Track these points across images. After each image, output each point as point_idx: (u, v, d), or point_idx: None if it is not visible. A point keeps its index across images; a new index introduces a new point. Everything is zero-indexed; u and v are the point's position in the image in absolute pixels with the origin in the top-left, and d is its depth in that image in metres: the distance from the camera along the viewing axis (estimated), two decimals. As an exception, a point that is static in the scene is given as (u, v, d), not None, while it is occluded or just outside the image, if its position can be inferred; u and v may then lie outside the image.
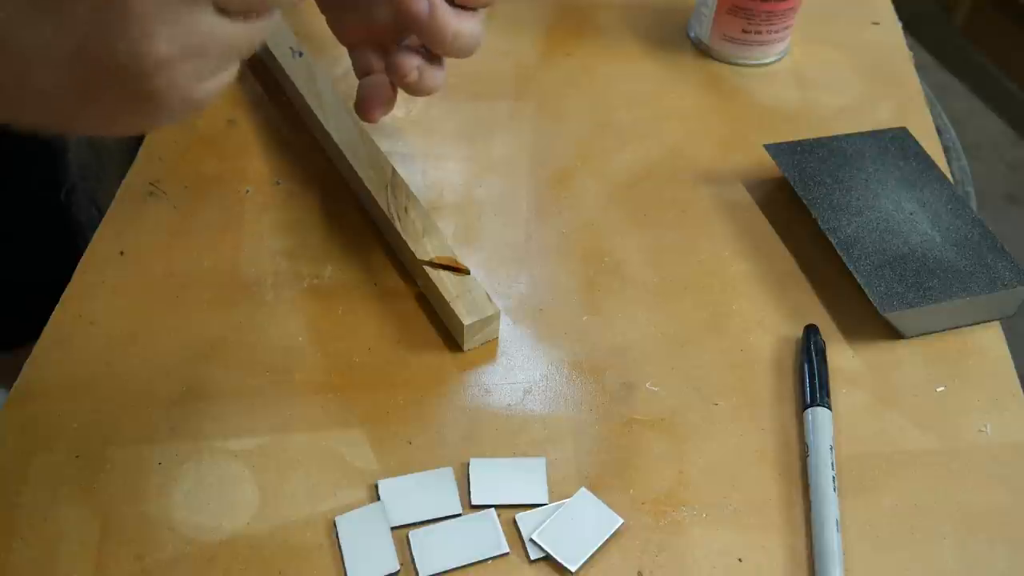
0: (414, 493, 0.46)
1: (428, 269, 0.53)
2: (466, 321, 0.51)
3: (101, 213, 0.59)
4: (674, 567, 0.44)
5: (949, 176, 0.61)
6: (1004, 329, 0.55)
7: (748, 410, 0.50)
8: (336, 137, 0.60)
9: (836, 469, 0.47)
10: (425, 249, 0.54)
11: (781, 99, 0.69)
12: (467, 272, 0.53)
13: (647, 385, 0.51)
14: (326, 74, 0.65)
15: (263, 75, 0.68)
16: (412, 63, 0.50)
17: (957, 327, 0.55)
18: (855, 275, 0.54)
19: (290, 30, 0.68)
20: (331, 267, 0.56)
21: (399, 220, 0.55)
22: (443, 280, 0.53)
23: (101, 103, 0.32)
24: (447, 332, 0.53)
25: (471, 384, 0.51)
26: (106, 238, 0.57)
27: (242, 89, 0.68)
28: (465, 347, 0.52)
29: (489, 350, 0.52)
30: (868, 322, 0.54)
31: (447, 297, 0.52)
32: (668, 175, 0.63)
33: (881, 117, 0.68)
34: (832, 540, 0.44)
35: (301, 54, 0.66)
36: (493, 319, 0.52)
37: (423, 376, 0.51)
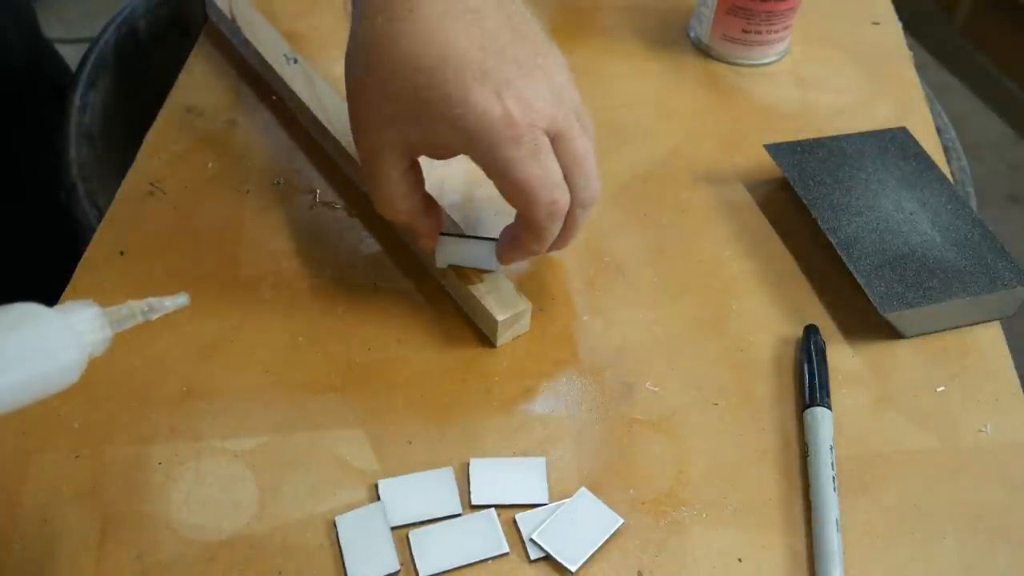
0: (414, 493, 0.46)
1: (454, 267, 0.53)
2: (499, 317, 0.51)
3: (101, 213, 0.59)
4: (674, 567, 0.44)
5: (949, 176, 0.61)
6: (1004, 329, 0.55)
7: (748, 410, 0.50)
8: (344, 141, 0.59)
9: (836, 469, 0.47)
10: None
11: (781, 99, 0.69)
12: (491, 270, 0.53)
13: (647, 385, 0.51)
14: (324, 76, 0.65)
15: (261, 83, 0.68)
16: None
17: (957, 327, 0.55)
18: (855, 275, 0.54)
19: (281, 37, 0.67)
20: (331, 267, 0.56)
21: None
22: (470, 277, 0.52)
23: None
24: (447, 332, 0.53)
25: (471, 384, 0.51)
26: (106, 238, 0.57)
27: (242, 90, 0.68)
28: (498, 343, 0.52)
29: (489, 350, 0.52)
30: (868, 322, 0.54)
31: (477, 294, 0.51)
32: (668, 175, 0.63)
33: (881, 117, 0.68)
34: (832, 540, 0.44)
35: (296, 60, 0.65)
36: (524, 313, 0.52)
37: (423, 376, 0.51)
